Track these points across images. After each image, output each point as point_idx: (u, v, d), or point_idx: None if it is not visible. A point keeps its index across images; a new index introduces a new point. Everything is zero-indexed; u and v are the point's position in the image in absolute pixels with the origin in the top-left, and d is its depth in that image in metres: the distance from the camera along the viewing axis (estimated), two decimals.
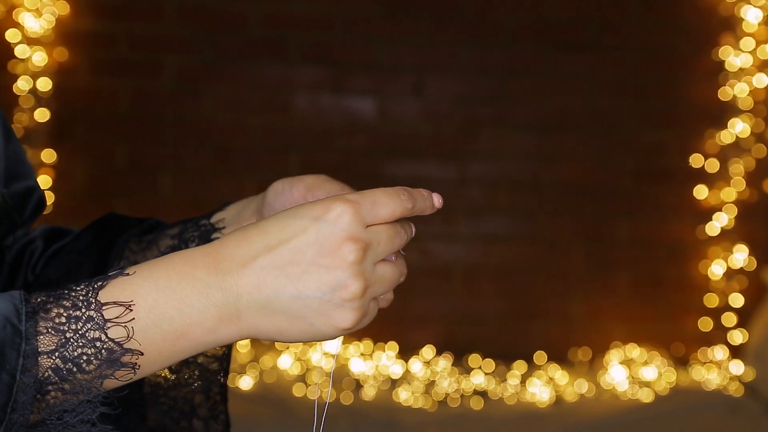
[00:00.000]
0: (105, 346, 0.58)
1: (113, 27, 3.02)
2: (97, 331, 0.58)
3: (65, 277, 0.84)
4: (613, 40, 3.08)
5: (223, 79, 3.04)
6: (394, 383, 2.80)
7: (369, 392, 2.73)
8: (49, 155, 2.98)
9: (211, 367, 0.84)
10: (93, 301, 0.59)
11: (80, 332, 0.58)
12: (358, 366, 2.87)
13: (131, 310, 0.59)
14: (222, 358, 0.85)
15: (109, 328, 0.59)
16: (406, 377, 2.84)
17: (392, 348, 3.00)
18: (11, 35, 2.94)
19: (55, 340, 0.58)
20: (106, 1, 3.02)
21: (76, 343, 0.58)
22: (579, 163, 3.09)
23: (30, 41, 2.94)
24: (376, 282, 0.63)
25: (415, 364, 2.90)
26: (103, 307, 0.59)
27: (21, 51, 2.93)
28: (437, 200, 0.70)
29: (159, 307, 0.60)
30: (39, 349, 0.57)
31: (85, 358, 0.58)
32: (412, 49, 3.07)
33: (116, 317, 0.59)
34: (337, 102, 3.08)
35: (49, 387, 0.58)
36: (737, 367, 2.94)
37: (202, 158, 3.04)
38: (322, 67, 3.07)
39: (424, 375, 2.86)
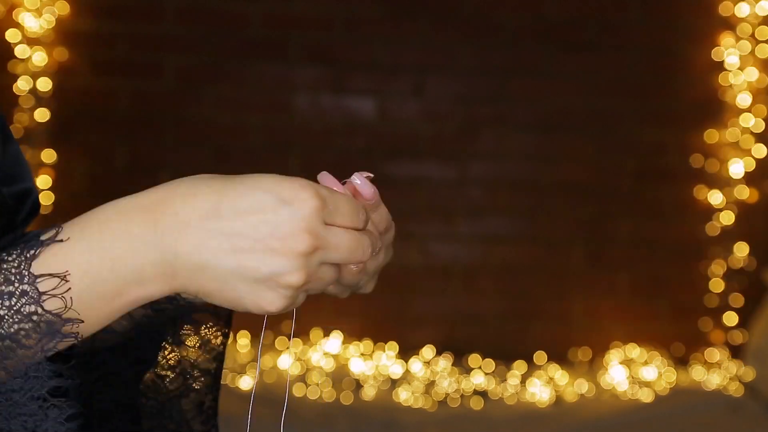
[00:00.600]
0: (43, 319, 0.57)
1: (113, 27, 3.02)
2: (32, 305, 0.56)
3: None
4: (613, 40, 3.08)
5: (223, 79, 3.04)
6: (394, 383, 2.80)
7: (369, 392, 2.73)
8: (49, 155, 2.98)
9: (203, 381, 0.83)
10: (26, 273, 0.57)
11: (15, 308, 0.56)
12: (358, 366, 2.87)
13: (67, 281, 0.57)
14: (214, 374, 0.83)
15: (44, 300, 0.57)
16: (406, 377, 2.84)
17: (392, 348, 3.00)
18: (11, 35, 2.94)
19: None
20: (106, 1, 3.02)
21: (11, 319, 0.56)
22: (579, 163, 3.09)
23: (30, 41, 2.94)
24: (316, 280, 0.61)
25: (415, 364, 2.90)
26: (37, 280, 0.57)
27: (21, 51, 2.93)
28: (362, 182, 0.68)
29: (93, 270, 0.58)
30: None
31: (23, 333, 0.56)
32: (412, 49, 3.07)
33: (52, 289, 0.57)
34: (337, 102, 3.08)
35: None
36: (737, 367, 2.94)
37: (202, 158, 3.04)
38: (322, 67, 3.07)
39: (424, 375, 2.86)
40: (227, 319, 0.83)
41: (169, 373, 0.83)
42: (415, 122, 3.09)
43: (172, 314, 0.80)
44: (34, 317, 0.57)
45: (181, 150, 3.04)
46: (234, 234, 0.58)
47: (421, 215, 3.02)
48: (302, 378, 2.78)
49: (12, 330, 0.56)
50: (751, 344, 2.95)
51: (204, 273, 0.59)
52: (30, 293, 0.57)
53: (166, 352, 0.82)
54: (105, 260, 0.58)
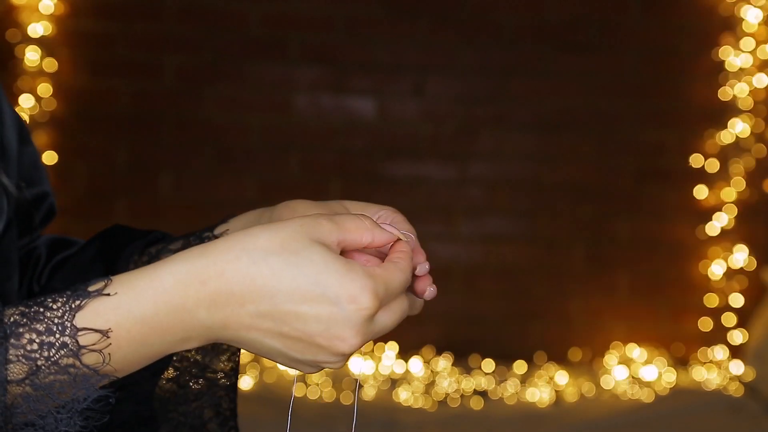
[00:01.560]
0: (79, 373, 0.56)
1: (113, 27, 3.02)
2: (71, 358, 0.56)
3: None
4: (613, 41, 3.08)
5: (223, 79, 3.04)
6: (394, 383, 2.80)
7: (369, 392, 2.73)
8: (49, 155, 2.98)
9: (220, 382, 0.83)
10: (68, 325, 0.56)
11: (53, 359, 0.55)
12: (358, 366, 2.87)
13: (108, 337, 0.57)
14: (230, 373, 0.84)
15: (83, 354, 0.56)
16: (406, 377, 2.84)
17: (392, 348, 3.00)
18: (11, 35, 2.94)
19: (26, 369, 0.55)
20: (106, 1, 3.02)
21: (47, 371, 0.56)
22: (579, 163, 3.09)
23: (30, 41, 2.94)
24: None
25: (415, 364, 2.90)
26: (78, 333, 0.56)
27: (21, 51, 2.93)
28: (429, 293, 0.69)
29: (140, 337, 0.58)
30: (8, 378, 0.55)
31: (58, 385, 0.56)
32: (412, 49, 3.07)
33: (92, 344, 0.56)
34: (337, 102, 3.08)
35: (17, 410, 0.56)
36: (737, 367, 2.94)
37: (202, 158, 3.04)
38: (322, 67, 3.07)
39: (424, 375, 2.86)
40: None
41: (187, 379, 0.83)
42: (415, 122, 3.09)
43: None
44: (71, 369, 0.56)
45: (181, 150, 3.04)
46: (285, 322, 0.58)
47: (421, 215, 3.02)
48: (302, 378, 2.78)
49: (47, 380, 0.56)
50: (751, 344, 2.95)
51: (248, 345, 0.60)
52: (70, 345, 0.56)
53: (177, 359, 0.83)
54: (155, 331, 0.58)
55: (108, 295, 0.57)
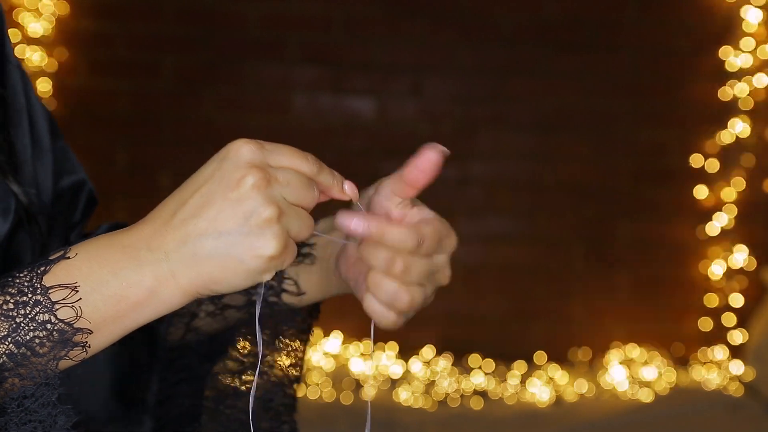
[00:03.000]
0: (56, 328, 0.59)
1: (113, 27, 3.02)
2: (46, 314, 0.59)
3: None
4: (612, 40, 3.07)
5: (222, 79, 3.04)
6: (394, 383, 2.80)
7: (369, 392, 2.73)
8: None
9: (274, 377, 0.83)
10: (38, 285, 0.59)
11: (29, 316, 0.59)
12: (358, 366, 2.87)
13: (77, 291, 0.60)
14: (288, 369, 0.84)
15: (57, 309, 0.59)
16: (406, 377, 2.84)
17: (392, 348, 2.99)
18: (11, 35, 2.93)
19: (6, 326, 0.58)
20: (106, 1, 3.02)
21: (26, 327, 0.59)
22: (579, 163, 3.09)
23: (30, 41, 2.94)
24: (290, 211, 0.62)
25: (415, 364, 2.90)
26: (49, 291, 0.59)
27: (21, 51, 2.93)
28: (348, 187, 0.71)
29: (94, 275, 0.61)
30: None
31: (37, 341, 0.59)
32: (411, 49, 3.07)
33: (63, 299, 0.59)
34: (336, 102, 3.08)
35: (6, 373, 0.59)
36: (737, 367, 2.94)
37: (202, 158, 3.02)
38: (321, 67, 3.07)
39: (424, 375, 2.86)
40: (307, 324, 0.84)
41: (242, 372, 0.83)
42: (413, 122, 3.09)
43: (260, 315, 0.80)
44: (48, 325, 0.59)
45: (181, 150, 3.04)
46: (200, 208, 0.61)
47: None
48: (302, 378, 2.78)
49: (27, 338, 0.59)
50: (751, 344, 2.95)
51: (197, 258, 0.61)
52: (43, 303, 0.59)
53: (236, 353, 0.83)
54: (105, 267, 0.61)
55: (68, 258, 0.61)
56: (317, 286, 0.82)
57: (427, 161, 0.74)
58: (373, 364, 2.91)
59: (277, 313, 0.81)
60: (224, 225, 0.60)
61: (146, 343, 0.80)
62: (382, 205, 0.74)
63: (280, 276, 0.80)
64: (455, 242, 0.78)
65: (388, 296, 0.70)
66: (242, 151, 0.63)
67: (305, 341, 0.84)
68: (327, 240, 0.80)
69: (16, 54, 0.85)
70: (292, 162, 0.64)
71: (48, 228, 0.81)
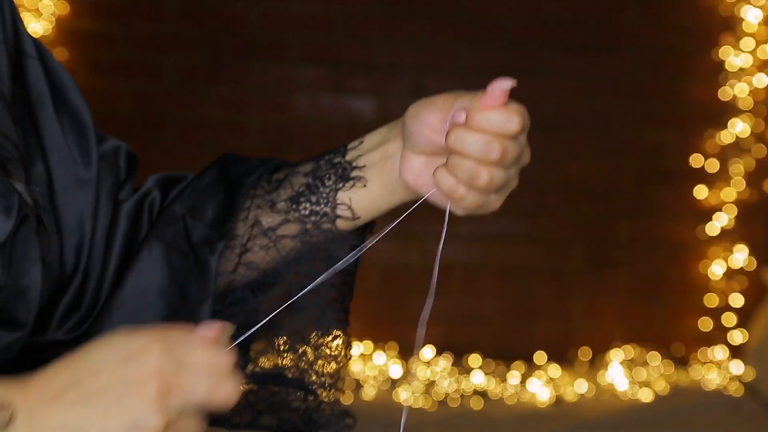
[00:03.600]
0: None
1: (113, 27, 3.02)
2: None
3: (191, 212, 0.83)
4: (613, 40, 3.08)
5: (223, 79, 3.04)
6: (394, 383, 2.80)
7: (369, 392, 2.73)
8: None
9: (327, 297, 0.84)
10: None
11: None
12: (358, 366, 2.87)
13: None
14: (342, 286, 0.85)
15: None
16: (406, 377, 2.84)
17: (392, 348, 3.00)
18: None
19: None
20: (106, 1, 3.02)
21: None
22: (579, 163, 3.09)
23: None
24: (180, 424, 0.60)
25: (415, 364, 2.90)
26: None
27: None
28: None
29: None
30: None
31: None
32: (412, 49, 3.07)
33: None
34: (337, 102, 3.08)
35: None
36: (737, 367, 2.94)
37: (202, 158, 3.03)
38: (322, 67, 3.07)
39: (424, 375, 2.86)
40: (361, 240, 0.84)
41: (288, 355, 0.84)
42: None
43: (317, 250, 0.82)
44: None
45: (181, 150, 3.04)
46: (91, 396, 0.59)
47: (421, 215, 3.01)
48: None
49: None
50: (751, 344, 2.95)
51: None
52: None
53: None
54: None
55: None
56: (371, 205, 0.82)
57: (500, 88, 0.77)
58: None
59: (331, 240, 0.81)
60: (111, 425, 0.58)
61: (197, 277, 0.80)
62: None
63: (333, 202, 0.80)
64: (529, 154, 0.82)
65: (466, 174, 0.73)
66: (150, 355, 0.59)
67: (356, 264, 0.85)
68: (383, 155, 0.81)
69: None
70: (208, 357, 0.61)
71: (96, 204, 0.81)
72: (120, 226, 0.85)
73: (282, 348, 0.84)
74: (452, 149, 0.72)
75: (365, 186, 0.81)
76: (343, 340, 0.85)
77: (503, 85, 0.74)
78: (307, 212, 0.80)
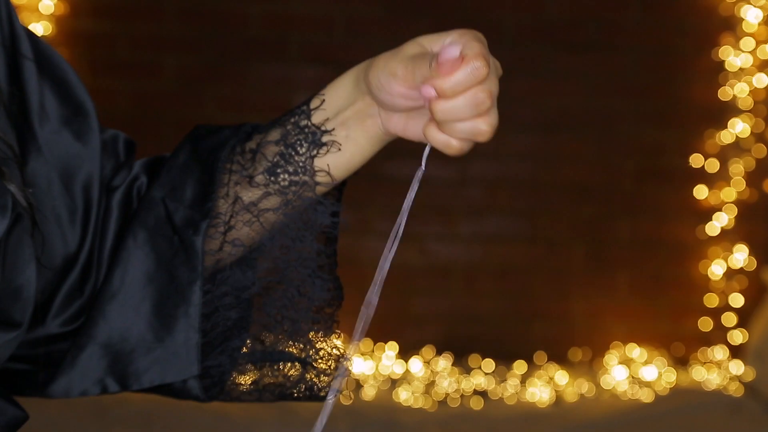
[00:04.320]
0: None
1: (113, 27, 3.02)
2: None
3: (170, 195, 0.83)
4: (613, 40, 3.08)
5: (223, 79, 3.04)
6: (394, 383, 2.81)
7: (369, 392, 2.73)
8: None
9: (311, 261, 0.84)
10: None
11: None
12: (358, 366, 2.87)
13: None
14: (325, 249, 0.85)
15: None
16: (406, 377, 2.84)
17: (392, 348, 3.00)
18: None
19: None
20: (106, 1, 3.02)
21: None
22: (579, 163, 3.09)
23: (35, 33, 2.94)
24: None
25: (415, 364, 2.90)
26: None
27: None
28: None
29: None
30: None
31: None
32: None
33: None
34: None
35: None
36: (737, 367, 2.94)
37: None
38: (322, 67, 3.07)
39: (424, 375, 2.86)
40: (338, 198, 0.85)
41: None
42: None
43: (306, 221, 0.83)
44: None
45: None
46: None
47: (421, 215, 3.02)
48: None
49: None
50: (751, 344, 2.95)
51: None
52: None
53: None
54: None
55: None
56: (347, 165, 0.83)
57: (450, 57, 0.75)
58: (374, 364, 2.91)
59: (312, 207, 0.82)
60: None
61: (184, 260, 0.80)
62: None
63: (311, 170, 0.80)
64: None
65: (466, 133, 0.74)
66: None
67: (336, 226, 0.85)
68: (359, 115, 0.82)
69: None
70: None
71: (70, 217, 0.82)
72: (112, 214, 0.85)
73: (274, 323, 0.84)
74: (444, 120, 0.73)
75: (340, 149, 0.81)
76: (335, 310, 0.86)
77: (452, 53, 0.74)
78: (286, 183, 0.80)
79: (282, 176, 0.80)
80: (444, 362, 2.93)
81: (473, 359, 2.97)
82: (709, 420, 2.53)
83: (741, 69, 3.02)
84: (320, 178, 0.81)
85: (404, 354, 2.98)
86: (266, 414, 2.47)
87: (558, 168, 3.08)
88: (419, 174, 0.79)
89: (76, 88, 0.88)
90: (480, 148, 3.19)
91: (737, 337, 3.04)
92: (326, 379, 0.89)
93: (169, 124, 3.04)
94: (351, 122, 0.81)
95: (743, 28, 3.02)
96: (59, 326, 0.82)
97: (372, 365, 2.89)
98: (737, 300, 3.05)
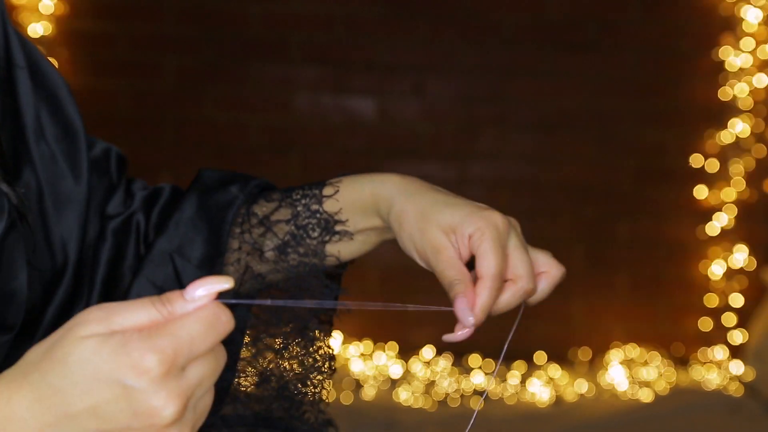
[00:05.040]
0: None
1: (113, 27, 3.02)
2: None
3: (178, 252, 0.84)
4: (613, 40, 3.08)
5: (223, 79, 3.04)
6: (394, 383, 2.81)
7: (369, 392, 2.73)
8: None
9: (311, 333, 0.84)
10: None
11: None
12: (358, 366, 2.87)
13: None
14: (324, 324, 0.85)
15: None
16: (406, 377, 2.84)
17: (392, 348, 3.00)
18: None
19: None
20: (106, 1, 3.02)
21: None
22: (579, 163, 3.09)
23: (30, 41, 2.94)
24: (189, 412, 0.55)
25: (415, 364, 2.90)
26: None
27: None
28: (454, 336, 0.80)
29: None
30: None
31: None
32: (412, 49, 3.07)
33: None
34: (338, 102, 3.08)
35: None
36: (737, 367, 2.94)
37: (202, 158, 3.04)
38: (322, 67, 3.07)
39: (424, 375, 2.86)
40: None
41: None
42: (415, 122, 3.09)
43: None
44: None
45: (181, 150, 3.04)
46: (88, 427, 0.53)
47: None
48: None
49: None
50: (751, 344, 2.95)
51: None
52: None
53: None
54: None
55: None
56: (355, 252, 0.85)
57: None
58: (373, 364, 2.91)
59: (312, 278, 0.83)
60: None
61: None
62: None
63: (322, 254, 0.82)
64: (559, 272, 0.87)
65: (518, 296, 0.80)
66: (154, 377, 0.52)
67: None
68: (376, 229, 0.84)
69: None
70: (205, 345, 0.55)
71: (91, 205, 0.82)
72: (107, 241, 0.86)
73: (265, 364, 0.84)
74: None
75: (351, 239, 0.83)
76: (326, 351, 0.85)
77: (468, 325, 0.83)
78: (296, 263, 0.82)
79: (292, 256, 0.82)
80: (444, 362, 2.93)
81: (473, 359, 2.97)
82: (709, 420, 2.53)
83: (741, 69, 3.02)
84: (329, 261, 0.83)
85: (404, 354, 2.98)
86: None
87: (558, 168, 3.08)
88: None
89: (66, 104, 0.88)
90: (480, 148, 3.20)
91: (737, 337, 3.04)
92: (311, 417, 0.87)
93: (169, 124, 3.04)
94: (370, 232, 0.84)
95: (743, 28, 3.02)
96: None
97: (372, 365, 2.89)
98: (737, 300, 3.05)
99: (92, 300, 0.83)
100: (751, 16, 3.00)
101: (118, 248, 0.87)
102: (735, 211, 3.05)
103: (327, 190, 0.84)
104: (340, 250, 0.83)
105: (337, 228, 0.82)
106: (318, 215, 0.83)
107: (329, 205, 0.83)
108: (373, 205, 0.82)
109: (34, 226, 0.79)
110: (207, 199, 0.87)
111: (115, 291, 0.87)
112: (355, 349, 2.96)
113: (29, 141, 0.82)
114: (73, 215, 0.84)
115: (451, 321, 0.83)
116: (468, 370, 2.89)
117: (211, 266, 0.83)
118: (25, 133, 0.82)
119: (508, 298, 0.76)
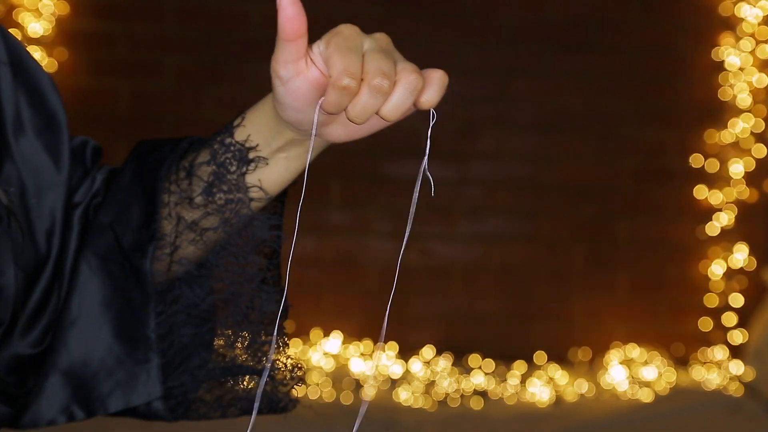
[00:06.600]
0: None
1: (113, 27, 3.02)
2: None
3: (117, 219, 0.84)
4: (613, 40, 3.08)
5: (223, 79, 3.04)
6: (394, 383, 2.81)
7: (369, 392, 2.73)
8: None
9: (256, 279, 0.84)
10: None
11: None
12: (358, 366, 2.87)
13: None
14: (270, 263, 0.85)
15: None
16: (406, 377, 2.84)
17: (392, 348, 3.00)
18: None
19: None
20: (106, 1, 3.02)
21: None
22: (579, 163, 3.09)
23: (30, 41, 2.94)
24: None
25: (415, 364, 2.90)
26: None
27: None
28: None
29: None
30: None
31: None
32: (413, 49, 3.05)
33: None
34: None
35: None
36: (737, 367, 2.94)
37: None
38: None
39: (424, 375, 2.86)
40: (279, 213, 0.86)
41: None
42: (414, 122, 3.08)
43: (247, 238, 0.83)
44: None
45: None
46: None
47: (421, 215, 3.01)
48: (302, 378, 2.78)
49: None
50: (751, 344, 2.95)
51: None
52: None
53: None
54: None
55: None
56: (279, 178, 0.83)
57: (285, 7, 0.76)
58: (374, 364, 2.91)
59: (251, 222, 0.82)
60: None
61: (136, 283, 0.81)
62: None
63: (244, 187, 0.81)
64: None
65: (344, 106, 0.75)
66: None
67: (278, 241, 0.85)
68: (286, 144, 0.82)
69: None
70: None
71: (27, 224, 0.82)
72: (73, 230, 0.86)
73: (231, 340, 0.84)
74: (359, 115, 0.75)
75: (268, 164, 0.81)
76: (283, 321, 0.85)
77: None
78: (222, 202, 0.81)
79: (218, 195, 0.81)
80: (444, 362, 2.93)
81: (473, 359, 2.97)
82: (709, 420, 2.53)
83: (741, 69, 3.02)
84: (254, 193, 0.82)
85: (404, 354, 2.98)
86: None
87: (558, 168, 3.08)
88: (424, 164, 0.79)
89: (49, 97, 0.87)
90: (480, 148, 3.20)
91: (737, 337, 3.04)
92: (284, 389, 0.88)
93: (169, 124, 3.04)
94: (289, 147, 0.82)
95: (743, 27, 3.02)
96: (29, 347, 0.82)
97: (372, 365, 2.89)
98: (737, 300, 3.05)
99: (61, 294, 0.83)
100: (750, 15, 3.00)
101: (83, 235, 0.87)
102: (735, 211, 3.05)
103: (237, 120, 0.84)
104: (261, 178, 0.81)
105: (251, 155, 0.81)
106: (232, 147, 0.82)
107: (239, 134, 0.83)
108: (275, 117, 0.81)
109: (22, 224, 0.79)
110: (142, 162, 0.87)
111: None
112: (355, 349, 2.96)
113: (8, 136, 0.82)
114: (56, 204, 0.84)
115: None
116: (468, 370, 2.90)
117: (147, 227, 0.82)
118: (6, 129, 0.82)
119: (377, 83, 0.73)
